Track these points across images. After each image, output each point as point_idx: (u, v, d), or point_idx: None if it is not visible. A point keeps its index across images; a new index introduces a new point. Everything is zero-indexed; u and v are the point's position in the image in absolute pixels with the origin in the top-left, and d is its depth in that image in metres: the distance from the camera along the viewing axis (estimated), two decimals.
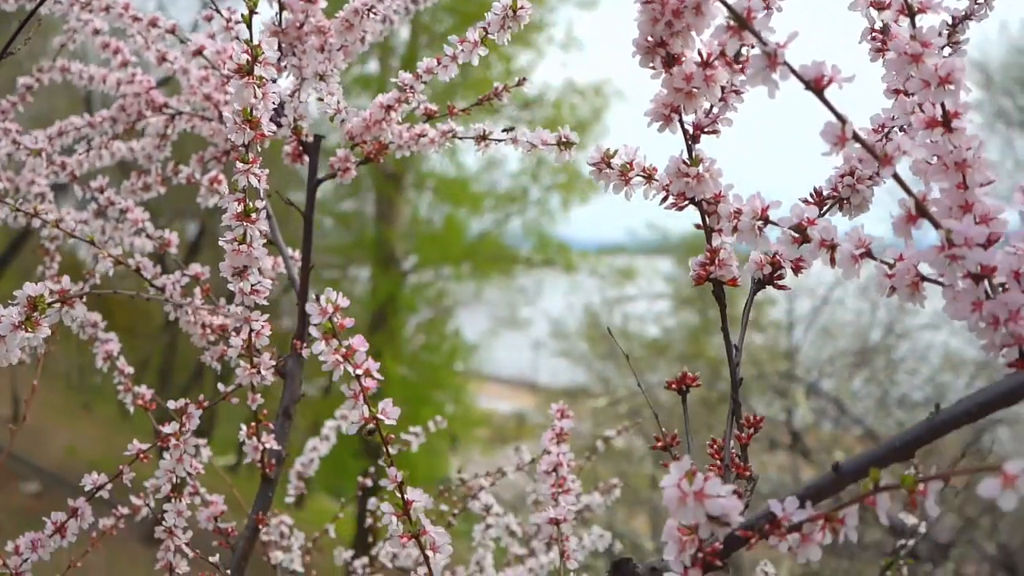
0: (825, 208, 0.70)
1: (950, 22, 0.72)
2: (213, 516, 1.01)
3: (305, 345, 0.98)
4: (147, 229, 1.10)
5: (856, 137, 0.51)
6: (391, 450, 0.64)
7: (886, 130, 0.70)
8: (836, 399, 5.87)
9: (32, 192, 1.25)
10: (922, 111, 0.56)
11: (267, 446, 0.97)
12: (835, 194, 0.69)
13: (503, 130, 0.95)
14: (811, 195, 0.69)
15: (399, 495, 0.65)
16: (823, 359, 6.70)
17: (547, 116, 10.20)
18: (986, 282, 0.53)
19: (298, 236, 1.08)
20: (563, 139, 0.82)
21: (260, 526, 0.99)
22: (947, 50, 0.73)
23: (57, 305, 0.66)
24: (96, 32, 1.18)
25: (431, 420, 1.41)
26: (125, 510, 1.13)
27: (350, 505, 1.99)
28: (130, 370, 1.11)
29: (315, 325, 0.61)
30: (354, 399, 0.63)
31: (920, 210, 0.52)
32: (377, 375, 0.63)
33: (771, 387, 6.20)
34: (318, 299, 0.61)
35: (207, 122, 1.16)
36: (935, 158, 0.55)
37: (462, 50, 0.90)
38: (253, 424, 0.96)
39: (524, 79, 0.99)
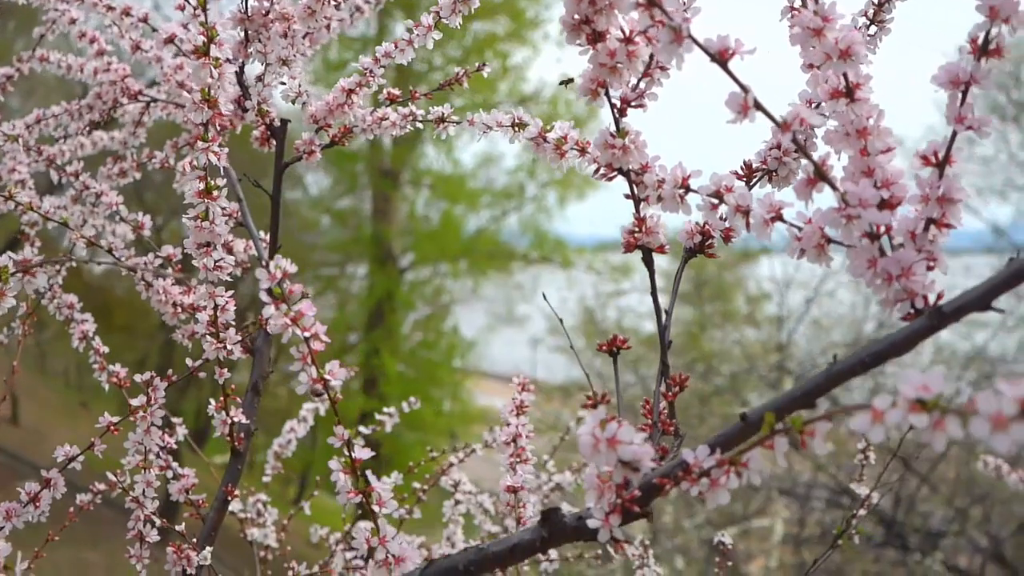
0: (755, 180, 0.73)
1: (876, 1, 0.76)
2: (184, 489, 1.05)
3: None
4: (121, 212, 1.14)
5: (757, 105, 0.54)
6: (334, 409, 0.68)
7: (813, 105, 0.73)
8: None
9: (12, 179, 1.29)
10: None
11: (235, 420, 1.01)
12: (763, 166, 0.72)
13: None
14: (741, 167, 0.73)
15: (347, 453, 0.69)
16: (815, 352, 6.74)
17: (543, 112, 10.22)
18: (886, 241, 0.56)
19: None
20: (516, 121, 0.86)
21: (229, 497, 1.03)
22: (873, 28, 0.76)
23: (19, 275, 0.70)
24: (73, 21, 1.21)
25: (404, 401, 1.45)
26: (101, 486, 1.17)
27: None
28: (105, 349, 1.14)
29: (264, 290, 0.65)
30: (303, 361, 0.66)
31: (819, 174, 0.55)
32: (325, 338, 0.66)
33: (762, 378, 6.23)
34: (267, 265, 0.64)
35: (181, 109, 1.19)
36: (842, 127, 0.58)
37: (417, 34, 0.93)
38: (222, 399, 1.00)
39: (483, 64, 1.03)
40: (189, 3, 1.04)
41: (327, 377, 0.67)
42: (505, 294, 12.24)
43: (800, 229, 0.59)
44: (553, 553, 1.28)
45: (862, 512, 1.16)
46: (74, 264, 0.99)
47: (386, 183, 10.93)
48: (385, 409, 1.43)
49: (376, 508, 0.68)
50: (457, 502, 1.33)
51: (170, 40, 1.07)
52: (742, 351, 7.66)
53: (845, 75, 0.57)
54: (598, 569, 5.47)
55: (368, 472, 0.69)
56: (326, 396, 0.68)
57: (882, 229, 0.55)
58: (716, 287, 10.28)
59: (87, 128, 1.22)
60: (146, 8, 1.22)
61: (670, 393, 0.67)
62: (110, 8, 1.14)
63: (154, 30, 1.14)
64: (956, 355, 6.93)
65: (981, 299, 0.51)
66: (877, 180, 0.57)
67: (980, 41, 0.55)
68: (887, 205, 0.56)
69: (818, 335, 7.32)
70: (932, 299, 0.54)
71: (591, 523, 0.58)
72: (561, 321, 1.05)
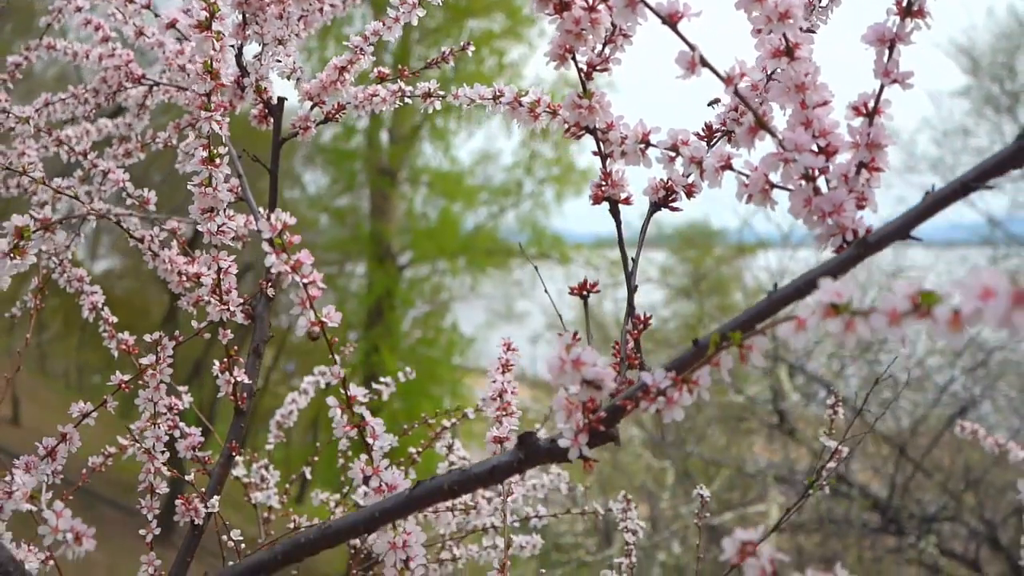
0: (715, 140, 0.79)
1: None
2: (191, 446, 1.11)
3: (271, 286, 1.08)
4: (128, 189, 1.20)
5: (703, 62, 0.60)
6: (330, 348, 0.74)
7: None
8: (821, 379, 5.98)
9: (24, 161, 1.35)
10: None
11: (239, 380, 1.07)
12: (723, 127, 0.79)
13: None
14: (702, 128, 0.79)
15: (343, 391, 0.75)
16: (811, 341, 6.81)
17: None
18: (822, 184, 0.63)
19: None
20: (496, 94, 0.92)
21: (234, 453, 1.09)
22: (824, 1, 0.83)
23: (41, 232, 0.76)
24: (79, 9, 1.27)
25: (400, 372, 1.51)
26: (113, 449, 1.23)
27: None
28: (114, 319, 1.21)
29: (266, 240, 0.71)
30: (301, 306, 0.73)
31: (760, 123, 0.62)
32: (321, 285, 0.73)
33: (756, 367, 6.30)
34: (269, 217, 0.71)
35: (183, 91, 1.25)
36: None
37: (403, 11, 1.00)
38: (226, 360, 1.06)
39: (468, 44, 1.09)
40: None
41: (324, 320, 0.73)
42: (504, 291, 12.30)
43: (747, 176, 0.65)
44: (543, 509, 1.34)
45: (831, 464, 1.22)
46: (88, 229, 1.05)
47: (384, 181, 10.99)
48: (382, 379, 1.49)
49: (370, 440, 0.75)
50: (451, 464, 1.39)
51: (172, 25, 1.13)
52: None
53: (785, 36, 0.63)
54: (595, 555, 5.54)
55: (364, 410, 0.75)
56: (322, 336, 0.74)
57: (816, 172, 0.61)
58: (714, 282, 10.34)
59: (93, 112, 1.28)
60: None
61: (635, 331, 0.73)
62: None
63: (156, 16, 1.20)
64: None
65: (900, 230, 0.57)
66: (815, 130, 0.63)
67: (904, 4, 0.61)
68: (825, 152, 0.63)
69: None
70: (861, 233, 0.61)
71: (562, 443, 0.65)
72: (560, 317, 1.10)
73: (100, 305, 1.22)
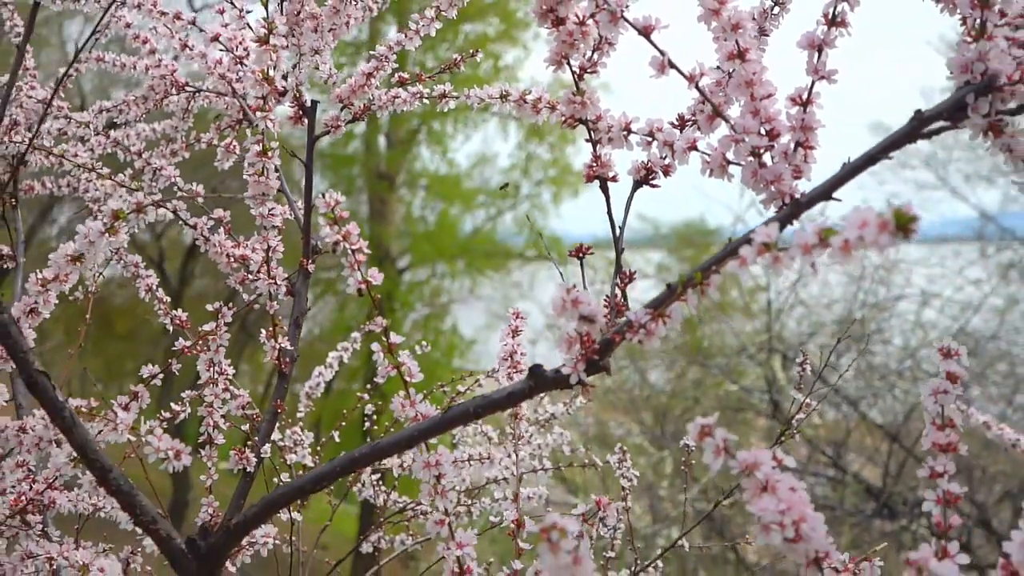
0: (686, 127, 0.96)
1: None
2: (241, 405, 1.28)
3: (311, 262, 1.24)
4: (178, 183, 1.36)
5: (671, 64, 0.77)
6: (372, 302, 0.90)
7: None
8: (814, 369, 6.15)
9: (78, 161, 1.51)
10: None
11: (283, 346, 1.24)
12: (693, 117, 0.95)
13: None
14: (676, 118, 0.96)
15: (385, 338, 0.92)
16: (804, 332, 6.99)
17: None
18: (768, 159, 0.79)
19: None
20: (503, 93, 1.08)
21: (279, 410, 1.25)
22: (777, 9, 0.99)
23: (134, 214, 0.93)
24: (128, 25, 1.44)
25: (418, 344, 1.67)
26: (167, 415, 1.39)
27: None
28: (167, 299, 1.37)
29: (323, 214, 0.88)
30: (350, 268, 0.89)
31: (716, 112, 0.78)
32: (366, 251, 0.89)
33: (751, 358, 6.47)
34: (324, 195, 0.87)
35: (222, 97, 1.41)
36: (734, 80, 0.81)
37: (423, 24, 1.17)
38: (271, 328, 1.22)
39: (477, 51, 1.26)
40: (232, 4, 1.28)
41: (369, 279, 0.90)
42: (503, 292, 12.44)
43: (709, 155, 0.82)
44: (547, 463, 1.51)
45: (800, 415, 1.38)
46: (171, 206, 1.21)
47: (382, 186, 11.15)
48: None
49: (407, 379, 0.91)
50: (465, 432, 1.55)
51: (215, 39, 1.30)
52: (736, 339, 7.90)
53: (737, 42, 0.80)
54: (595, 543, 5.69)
55: (404, 353, 0.91)
56: (367, 294, 0.91)
57: (762, 150, 0.78)
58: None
59: (143, 115, 1.45)
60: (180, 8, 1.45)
61: (622, 284, 0.90)
62: (163, 14, 1.37)
63: (201, 31, 1.36)
64: (945, 334, 7.17)
65: (824, 193, 0.74)
66: (761, 117, 0.79)
67: (830, 15, 0.78)
68: (769, 135, 0.79)
69: (808, 316, 7.56)
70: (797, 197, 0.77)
71: (564, 371, 0.81)
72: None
73: (154, 287, 1.39)
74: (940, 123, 0.71)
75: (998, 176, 8.99)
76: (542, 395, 1.85)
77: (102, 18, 1.12)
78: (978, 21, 0.69)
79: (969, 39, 0.70)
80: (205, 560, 0.84)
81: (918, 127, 0.71)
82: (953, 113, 0.70)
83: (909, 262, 8.47)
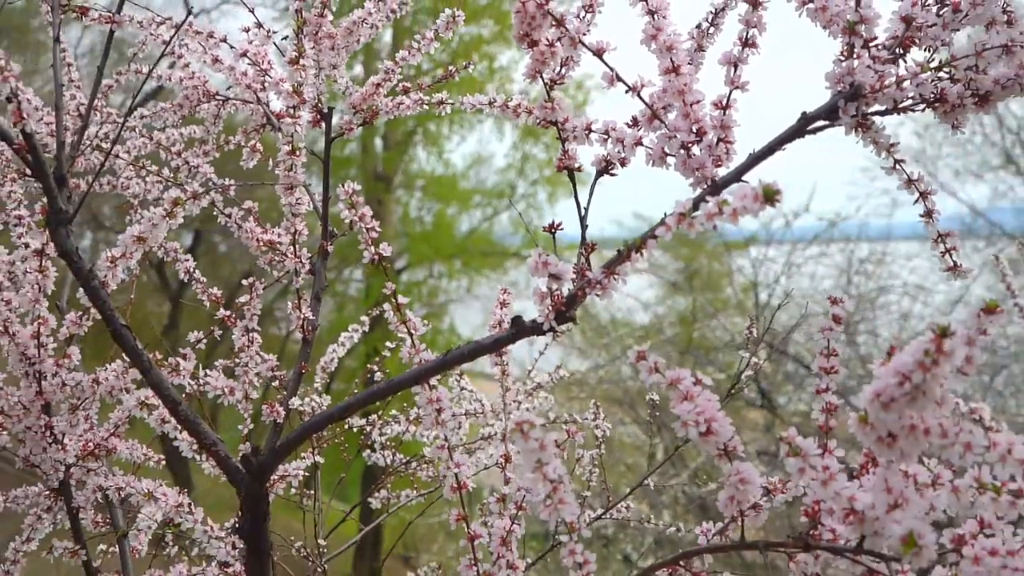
0: (637, 127, 1.17)
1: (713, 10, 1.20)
2: (270, 368, 1.50)
3: (330, 244, 1.46)
4: (213, 179, 1.57)
5: (618, 78, 0.99)
6: (384, 273, 1.12)
7: None
8: (797, 358, 6.39)
9: (120, 162, 1.73)
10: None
11: (306, 316, 1.45)
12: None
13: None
14: (630, 119, 1.17)
15: (394, 300, 1.13)
16: (790, 322, 7.21)
17: None
18: (697, 151, 1.01)
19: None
20: (491, 100, 1.30)
21: (303, 371, 1.47)
22: (712, 28, 1.21)
23: (191, 200, 1.14)
24: (166, 43, 1.65)
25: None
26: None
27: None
28: (204, 280, 1.59)
29: (341, 200, 1.09)
30: (365, 243, 1.11)
31: (654, 115, 1.00)
32: (378, 229, 1.11)
33: (738, 347, 6.70)
34: (343, 185, 1.09)
35: (248, 104, 1.63)
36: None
37: (424, 43, 1.39)
38: (296, 300, 1.44)
39: (469, 62, 1.48)
40: (260, 26, 1.49)
41: (381, 251, 1.12)
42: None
43: (651, 149, 1.04)
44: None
45: (748, 373, 1.60)
46: (219, 194, 1.42)
47: (379, 187, 11.36)
48: (388, 344, 1.88)
49: (413, 331, 1.13)
50: (463, 388, 1.77)
51: (243, 54, 1.52)
52: (727, 333, 8.13)
53: (671, 59, 1.01)
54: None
55: (409, 312, 1.13)
56: (381, 264, 1.13)
57: (691, 144, 1.00)
58: (706, 277, 10.70)
59: (180, 120, 1.66)
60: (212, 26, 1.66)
61: (586, 251, 1.12)
62: (198, 33, 1.59)
63: (231, 47, 1.58)
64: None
65: (734, 177, 0.95)
66: (691, 119, 1.01)
67: (744, 39, 1.00)
68: (697, 133, 1.01)
69: (797, 309, 7.79)
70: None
71: (538, 319, 1.03)
72: None
73: (192, 270, 1.61)
74: (821, 122, 0.93)
75: (986, 171, 9.22)
76: (531, 370, 2.07)
77: (168, 43, 1.33)
78: (846, 44, 0.91)
79: (842, 57, 0.92)
80: (257, 474, 1.05)
81: (804, 124, 0.93)
82: (829, 114, 0.92)
83: (899, 256, 8.70)
